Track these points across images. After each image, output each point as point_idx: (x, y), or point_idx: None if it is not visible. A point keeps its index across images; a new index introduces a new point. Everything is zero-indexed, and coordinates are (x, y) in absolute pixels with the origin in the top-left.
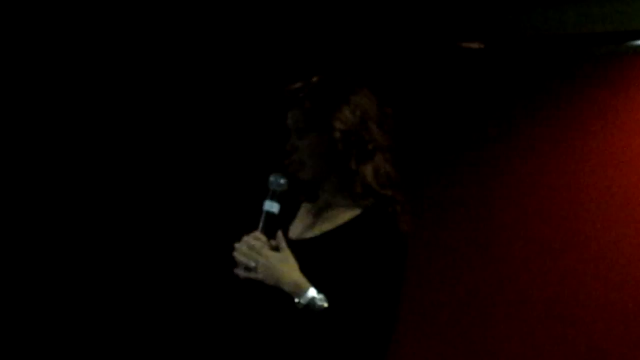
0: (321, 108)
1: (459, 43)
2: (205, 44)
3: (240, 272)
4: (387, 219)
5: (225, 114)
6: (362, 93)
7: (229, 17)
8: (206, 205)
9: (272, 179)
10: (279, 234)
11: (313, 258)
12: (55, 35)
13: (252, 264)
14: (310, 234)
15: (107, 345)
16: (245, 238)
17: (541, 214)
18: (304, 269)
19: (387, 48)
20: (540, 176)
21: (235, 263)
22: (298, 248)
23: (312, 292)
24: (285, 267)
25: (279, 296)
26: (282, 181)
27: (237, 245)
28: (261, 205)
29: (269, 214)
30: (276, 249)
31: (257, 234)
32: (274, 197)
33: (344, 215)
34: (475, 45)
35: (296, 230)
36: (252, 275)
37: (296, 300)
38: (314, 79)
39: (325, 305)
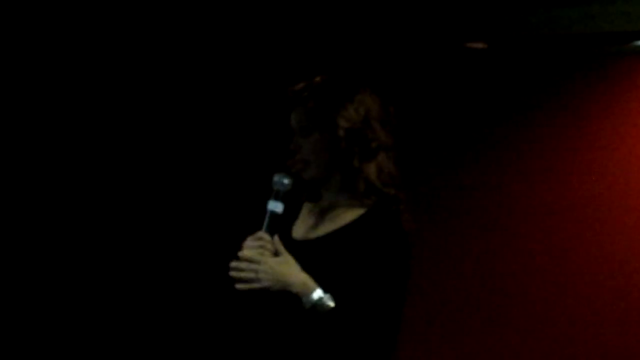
0: (325, 106)
1: (463, 43)
2: (210, 44)
3: (242, 286)
4: (390, 218)
5: (229, 115)
6: (366, 92)
7: (233, 17)
8: (210, 206)
9: (276, 178)
10: (276, 238)
11: (319, 258)
12: (56, 35)
13: (252, 276)
14: (314, 235)
15: (111, 346)
16: (243, 252)
17: (544, 214)
18: (309, 270)
19: (391, 48)
20: (544, 176)
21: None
22: (303, 249)
23: (319, 292)
24: (290, 270)
25: (284, 298)
26: (286, 181)
27: (233, 264)
28: (265, 205)
29: (273, 213)
30: (275, 253)
31: (261, 233)
32: (278, 197)
33: (348, 215)
34: (479, 46)
35: (300, 230)
36: (255, 286)
37: (303, 300)
38: (317, 79)
39: (332, 305)
